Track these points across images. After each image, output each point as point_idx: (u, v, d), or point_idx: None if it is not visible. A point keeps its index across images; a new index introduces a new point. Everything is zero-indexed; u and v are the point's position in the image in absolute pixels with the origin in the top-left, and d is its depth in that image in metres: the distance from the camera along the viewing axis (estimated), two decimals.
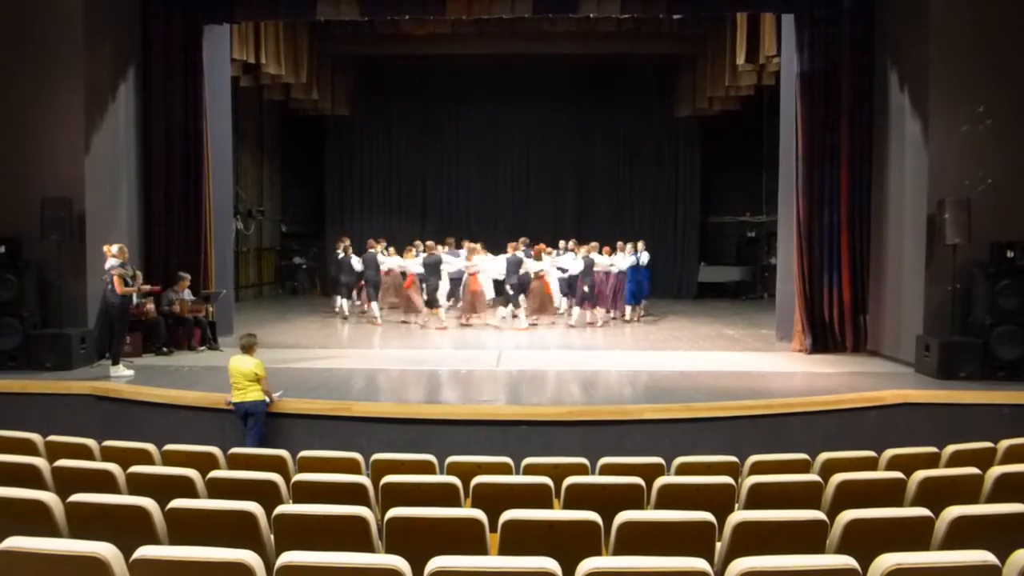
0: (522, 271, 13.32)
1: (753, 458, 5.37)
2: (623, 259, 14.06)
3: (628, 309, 14.37)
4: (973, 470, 4.81)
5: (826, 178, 10.68)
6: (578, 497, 4.45)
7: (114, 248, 9.15)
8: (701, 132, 19.62)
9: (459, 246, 14.78)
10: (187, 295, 10.91)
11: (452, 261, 13.89)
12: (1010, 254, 8.98)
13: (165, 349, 10.53)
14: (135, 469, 4.86)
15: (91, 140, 9.81)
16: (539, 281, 13.45)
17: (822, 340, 10.76)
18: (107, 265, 9.06)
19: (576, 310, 13.88)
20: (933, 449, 5.62)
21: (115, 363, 9.07)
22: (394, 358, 10.69)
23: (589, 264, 13.40)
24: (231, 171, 12.94)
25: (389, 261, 14.29)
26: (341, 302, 14.89)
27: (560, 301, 14.44)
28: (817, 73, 10.69)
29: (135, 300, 9.72)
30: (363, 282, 14.55)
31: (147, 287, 9.94)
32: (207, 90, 11.46)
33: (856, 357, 10.46)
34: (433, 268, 13.31)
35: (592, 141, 19.92)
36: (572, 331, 13.41)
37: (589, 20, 13.39)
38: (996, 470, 4.77)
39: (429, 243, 14.05)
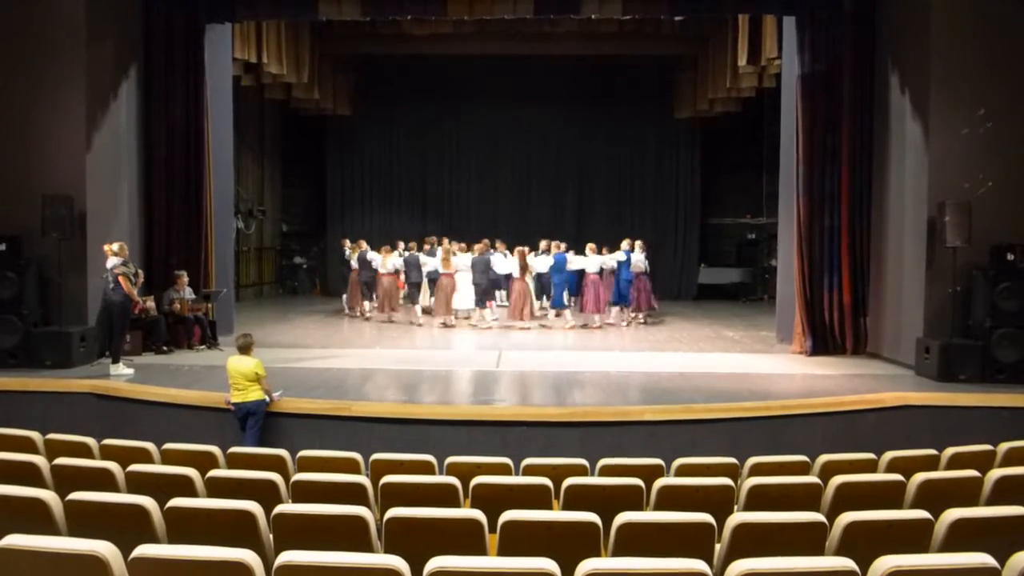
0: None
1: (753, 460, 5.36)
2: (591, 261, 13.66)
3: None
4: (972, 473, 4.80)
5: (827, 180, 10.68)
6: (577, 498, 4.45)
7: (114, 246, 9.15)
8: (702, 133, 19.60)
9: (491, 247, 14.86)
10: (188, 294, 10.91)
11: (430, 262, 14.03)
12: (1010, 257, 8.96)
13: (165, 348, 10.54)
14: (134, 468, 4.85)
15: (92, 138, 9.81)
16: (449, 279, 13.55)
17: (822, 342, 10.75)
18: (109, 264, 9.06)
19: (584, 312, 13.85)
20: (933, 451, 5.62)
21: (115, 361, 9.07)
22: (394, 358, 10.69)
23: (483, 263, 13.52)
24: (232, 170, 12.96)
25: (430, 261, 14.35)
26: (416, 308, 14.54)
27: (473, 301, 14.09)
28: (818, 75, 10.69)
29: (136, 297, 9.73)
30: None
31: (146, 304, 10.04)
32: (208, 89, 11.46)
33: (856, 359, 10.46)
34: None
35: (592, 142, 19.89)
36: (572, 332, 13.41)
37: (590, 21, 13.39)
38: (995, 473, 4.77)
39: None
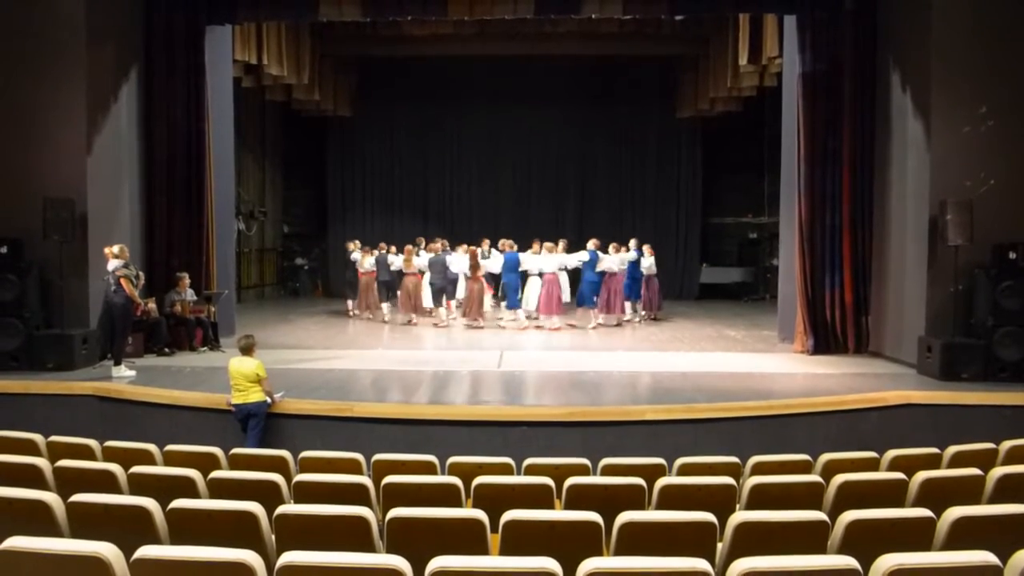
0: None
1: (754, 459, 5.37)
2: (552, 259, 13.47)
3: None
4: (975, 471, 4.81)
5: (828, 179, 10.68)
6: (579, 497, 4.45)
7: (115, 248, 9.14)
8: (703, 133, 19.60)
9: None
10: (189, 295, 10.92)
11: (455, 262, 14.00)
12: (1012, 255, 8.97)
13: (167, 350, 10.55)
14: (136, 469, 4.86)
15: (93, 140, 9.82)
16: (413, 278, 13.89)
17: (824, 341, 10.74)
18: (110, 267, 9.06)
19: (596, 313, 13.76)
20: (935, 450, 5.62)
21: (117, 363, 9.07)
22: (396, 359, 10.69)
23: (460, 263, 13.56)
24: (233, 171, 12.97)
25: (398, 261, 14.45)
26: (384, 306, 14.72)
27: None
28: (819, 74, 10.69)
29: (137, 299, 9.74)
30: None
31: (147, 306, 10.06)
32: (209, 90, 11.47)
33: (858, 358, 10.45)
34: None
35: (594, 142, 19.89)
36: (574, 332, 13.40)
37: (591, 21, 13.39)
38: (998, 471, 4.77)
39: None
